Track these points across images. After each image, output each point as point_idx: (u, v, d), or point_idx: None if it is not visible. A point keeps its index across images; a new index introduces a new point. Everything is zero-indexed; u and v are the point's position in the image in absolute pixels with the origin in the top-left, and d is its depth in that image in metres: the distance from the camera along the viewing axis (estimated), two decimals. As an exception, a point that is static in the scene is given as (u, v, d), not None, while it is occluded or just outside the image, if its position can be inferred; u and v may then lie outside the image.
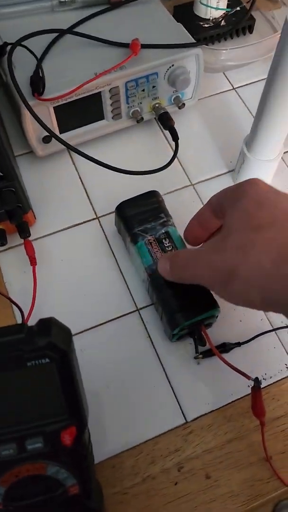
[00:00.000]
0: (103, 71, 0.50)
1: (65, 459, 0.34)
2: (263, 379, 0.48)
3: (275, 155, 0.53)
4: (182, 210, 0.56)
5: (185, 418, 0.46)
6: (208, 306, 0.45)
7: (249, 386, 0.47)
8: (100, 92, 0.54)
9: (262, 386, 0.47)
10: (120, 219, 0.51)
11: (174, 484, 0.44)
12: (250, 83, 0.67)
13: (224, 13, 0.66)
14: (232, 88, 0.67)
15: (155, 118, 0.59)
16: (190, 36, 0.57)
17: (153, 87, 0.56)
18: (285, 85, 0.44)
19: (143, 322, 0.50)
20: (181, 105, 0.59)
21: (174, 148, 0.57)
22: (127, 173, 0.52)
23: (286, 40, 0.40)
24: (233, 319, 0.51)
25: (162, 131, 0.63)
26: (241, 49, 0.65)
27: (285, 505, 1.27)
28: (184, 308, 0.45)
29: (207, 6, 0.65)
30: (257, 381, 0.43)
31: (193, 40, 0.56)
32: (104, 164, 0.51)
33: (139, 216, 0.50)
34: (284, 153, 0.61)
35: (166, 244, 0.48)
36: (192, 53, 0.55)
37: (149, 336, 0.50)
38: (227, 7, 0.67)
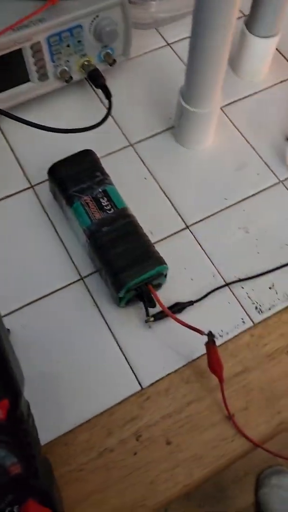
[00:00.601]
0: (15, 22, 0.46)
1: (0, 436, 0.31)
2: (220, 336, 0.46)
3: (213, 106, 0.51)
4: (122, 170, 0.54)
5: (140, 385, 0.43)
6: (154, 263, 0.43)
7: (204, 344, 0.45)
8: (20, 49, 0.49)
9: (219, 343, 0.45)
10: (53, 182, 0.47)
11: (133, 454, 0.41)
12: (184, 38, 0.64)
13: None
14: (166, 44, 0.64)
15: (85, 78, 0.56)
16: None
17: (79, 41, 0.52)
18: (208, 30, 0.42)
19: (88, 290, 0.47)
20: (112, 62, 0.56)
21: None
22: (58, 132, 0.48)
23: None
24: (184, 278, 0.48)
25: (96, 92, 0.59)
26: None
27: (269, 474, 1.26)
28: (128, 268, 0.42)
29: None
30: (210, 335, 0.41)
31: (116, -10, 0.52)
32: (33, 124, 0.47)
33: (74, 177, 0.46)
34: (225, 105, 0.59)
35: (104, 203, 0.45)
36: (116, 2, 0.51)
37: (96, 305, 0.46)
38: None
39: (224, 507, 1.11)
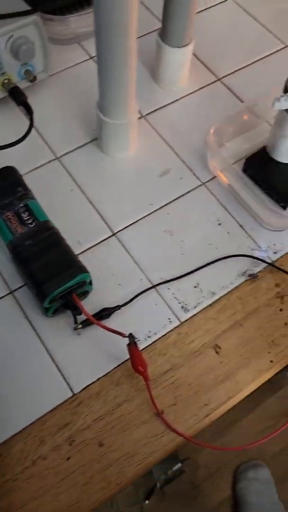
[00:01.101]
0: None
1: None
2: (148, 336, 0.48)
3: (129, 116, 0.52)
4: (49, 183, 0.55)
5: (72, 391, 0.44)
6: (75, 272, 0.44)
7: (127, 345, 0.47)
8: None
9: (148, 343, 0.47)
10: (-24, 200, 0.48)
11: (67, 459, 0.42)
12: (107, 51, 0.66)
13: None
14: (89, 57, 0.66)
15: (7, 95, 0.57)
16: (26, 4, 0.55)
17: (-4, 61, 0.53)
18: (109, 51, 0.44)
19: (18, 303, 0.48)
20: (32, 79, 0.57)
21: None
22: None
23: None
24: (112, 284, 0.50)
25: (20, 108, 0.60)
26: (90, 14, 0.63)
27: (245, 468, 1.28)
28: (50, 279, 0.43)
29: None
30: (131, 336, 0.43)
31: (28, 8, 0.54)
32: None
33: (-5, 194, 0.47)
34: (148, 114, 0.61)
35: (25, 217, 0.46)
36: (29, 21, 0.53)
37: (27, 317, 0.47)
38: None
39: (201, 504, 1.13)
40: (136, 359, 0.42)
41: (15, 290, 0.49)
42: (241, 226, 0.54)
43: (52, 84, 0.63)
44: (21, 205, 0.47)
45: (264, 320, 0.49)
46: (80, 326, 0.46)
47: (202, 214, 0.55)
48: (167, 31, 0.57)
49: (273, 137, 0.54)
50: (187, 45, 0.58)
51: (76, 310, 0.45)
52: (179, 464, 0.73)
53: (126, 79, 0.47)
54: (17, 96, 0.55)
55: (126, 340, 0.44)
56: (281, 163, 0.55)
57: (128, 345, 0.43)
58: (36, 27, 0.54)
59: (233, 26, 0.71)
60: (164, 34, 0.57)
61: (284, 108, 0.48)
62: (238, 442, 1.27)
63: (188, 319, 0.49)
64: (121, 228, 0.53)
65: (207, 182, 0.57)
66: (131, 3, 0.41)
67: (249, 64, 0.67)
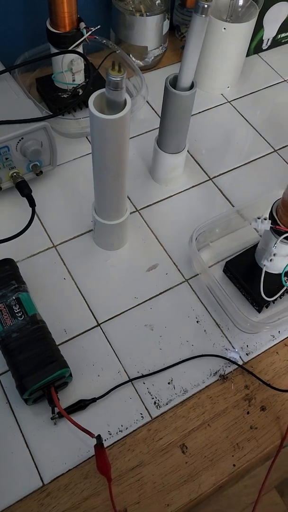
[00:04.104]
0: None
1: None
2: (120, 431, 0.50)
3: (120, 219, 0.57)
4: (44, 270, 0.60)
5: (42, 481, 0.47)
6: (56, 368, 0.48)
7: (105, 440, 0.50)
8: None
9: (119, 438, 0.50)
10: (-28, 289, 0.52)
11: None
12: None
13: (82, 83, 0.72)
14: (93, 151, 0.72)
15: (14, 186, 0.62)
16: (40, 110, 0.61)
17: (6, 159, 0.59)
18: (103, 172, 0.49)
19: (2, 387, 0.52)
20: (39, 173, 0.63)
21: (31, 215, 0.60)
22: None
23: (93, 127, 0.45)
24: (91, 375, 0.53)
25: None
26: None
27: None
28: (31, 373, 0.47)
29: (60, 82, 0.70)
30: (99, 438, 0.45)
31: (41, 115, 0.60)
32: None
33: (-10, 285, 0.52)
34: (142, 208, 0.66)
35: (16, 310, 0.50)
36: (39, 126, 0.59)
37: (8, 401, 0.51)
38: (85, 78, 0.72)
39: None
40: (100, 461, 0.45)
41: (1, 374, 0.52)
42: (217, 325, 0.58)
43: (56, 174, 0.68)
44: (14, 297, 0.51)
45: (231, 422, 0.52)
46: (57, 416, 0.49)
47: (182, 310, 0.59)
48: (163, 141, 0.63)
49: (260, 245, 0.58)
50: (180, 151, 0.64)
51: (52, 403, 0.48)
52: None
53: (117, 193, 0.52)
54: (23, 189, 0.61)
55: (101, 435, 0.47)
56: (260, 269, 0.59)
57: (95, 446, 0.46)
58: (45, 131, 0.60)
59: (227, 128, 0.77)
60: (160, 142, 0.63)
61: (258, 228, 0.52)
62: (228, 510, 1.26)
63: (159, 415, 0.52)
64: (105, 319, 0.57)
65: (190, 279, 0.61)
66: (124, 153, 0.47)
67: (240, 166, 0.72)
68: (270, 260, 0.53)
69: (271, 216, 0.53)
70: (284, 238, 0.53)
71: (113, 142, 0.45)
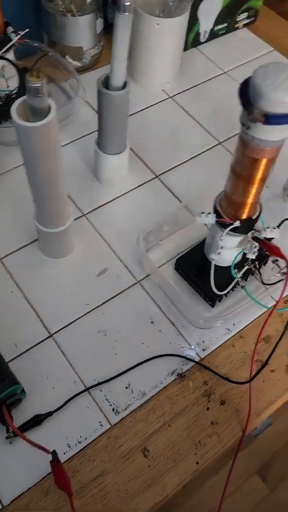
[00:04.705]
0: None
1: None
2: (79, 442, 0.49)
3: (63, 226, 0.56)
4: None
5: (1, 503, 0.46)
6: (5, 386, 0.46)
7: (64, 453, 0.49)
8: None
9: (78, 450, 0.49)
10: None
11: None
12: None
13: (15, 89, 0.70)
14: (35, 157, 0.70)
15: None
16: None
17: None
18: (35, 182, 0.48)
19: None
20: (-23, 185, 0.61)
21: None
22: None
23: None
24: (46, 388, 0.52)
25: None
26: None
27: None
28: (-20, 393, 0.45)
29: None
30: (54, 453, 0.44)
31: None
32: None
33: None
34: (89, 212, 0.65)
35: None
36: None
37: None
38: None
39: None
40: (58, 476, 0.44)
41: None
42: (172, 323, 0.57)
43: (-2, 184, 0.67)
44: None
45: (191, 420, 0.52)
46: (11, 435, 0.48)
47: (136, 312, 0.58)
48: (102, 142, 0.62)
49: (208, 239, 0.58)
50: (122, 152, 0.63)
51: (5, 423, 0.46)
52: None
53: (55, 200, 0.51)
54: None
55: (60, 448, 0.46)
56: (210, 263, 0.58)
57: (51, 461, 0.44)
58: (-22, 141, 0.58)
59: (171, 124, 0.76)
60: (100, 144, 0.62)
61: (204, 223, 0.52)
62: (208, 504, 1.27)
63: (119, 422, 0.51)
64: (57, 330, 0.56)
65: (142, 280, 0.60)
66: (55, 160, 0.46)
67: (186, 161, 0.72)
68: (218, 253, 0.53)
69: (215, 210, 0.53)
70: (230, 230, 0.53)
71: (41, 150, 0.43)
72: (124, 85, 0.55)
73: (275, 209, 0.65)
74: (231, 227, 0.51)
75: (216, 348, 0.56)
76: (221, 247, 0.53)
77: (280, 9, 1.10)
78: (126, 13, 0.47)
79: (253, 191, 0.48)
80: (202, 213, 0.51)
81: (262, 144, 0.41)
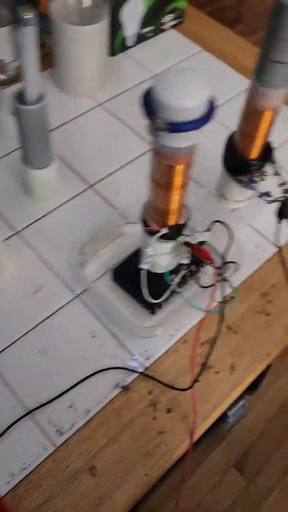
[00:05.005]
0: None
1: None
2: (23, 469, 0.48)
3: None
4: None
5: None
6: None
7: (8, 482, 0.47)
8: None
9: (23, 476, 0.47)
10: None
11: None
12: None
13: None
14: None
15: None
16: None
17: None
18: None
19: None
20: None
21: None
22: None
23: None
24: (-14, 416, 0.50)
25: None
26: None
27: None
28: None
29: None
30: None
31: None
32: None
33: None
34: (22, 229, 0.63)
35: None
36: None
37: None
38: None
39: None
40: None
41: None
42: (114, 335, 0.56)
43: None
44: None
45: (138, 432, 0.51)
46: None
47: (75, 328, 0.57)
48: (26, 157, 0.60)
49: (142, 247, 0.57)
50: (49, 165, 0.62)
51: None
52: None
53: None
54: None
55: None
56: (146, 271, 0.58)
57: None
58: None
59: (102, 131, 0.75)
60: (25, 159, 0.61)
61: (131, 233, 0.51)
62: (192, 501, 1.27)
63: (63, 443, 0.50)
64: (-5, 354, 0.54)
65: (81, 294, 0.59)
66: None
67: (119, 168, 0.71)
68: (149, 261, 0.52)
69: (142, 218, 0.52)
70: (160, 237, 0.52)
71: None
72: (40, 98, 0.54)
73: (211, 210, 0.65)
74: (158, 234, 0.51)
75: (160, 356, 0.56)
76: (150, 256, 0.52)
77: (211, 8, 1.12)
78: (29, 27, 0.46)
79: (175, 197, 0.47)
80: (128, 223, 0.51)
81: (174, 152, 0.41)
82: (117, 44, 0.84)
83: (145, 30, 0.87)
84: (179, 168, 0.44)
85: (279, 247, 0.60)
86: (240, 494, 1.31)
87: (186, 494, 1.27)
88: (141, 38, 0.88)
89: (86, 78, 0.77)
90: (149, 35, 0.89)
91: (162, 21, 0.89)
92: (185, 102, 0.36)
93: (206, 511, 1.24)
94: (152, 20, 0.86)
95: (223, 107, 0.77)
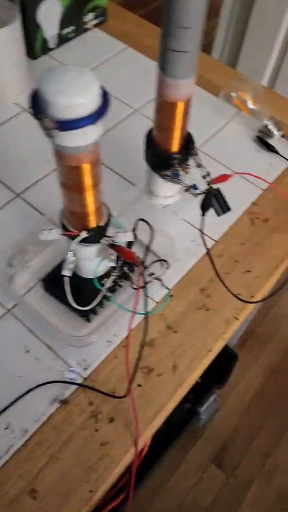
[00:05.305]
0: None
1: None
2: None
3: None
4: None
5: None
6: None
7: None
8: None
9: None
10: None
11: None
12: None
13: None
14: None
15: None
16: None
17: None
18: None
19: None
20: None
21: None
22: None
23: None
24: None
25: None
26: None
27: None
28: None
29: None
30: None
31: None
32: None
33: None
34: None
35: None
36: None
37: None
38: None
39: None
40: None
41: None
42: (49, 348, 0.54)
43: None
44: None
45: (79, 446, 0.49)
46: None
47: (8, 344, 0.54)
48: None
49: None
50: None
51: None
52: None
53: None
54: None
55: None
56: (77, 276, 0.56)
57: None
58: None
59: (28, 137, 0.72)
60: None
61: (48, 239, 0.49)
62: (173, 501, 1.25)
63: (1, 467, 0.47)
64: None
65: (13, 308, 0.56)
66: None
67: (48, 174, 0.69)
68: (71, 267, 0.50)
69: (61, 223, 0.50)
70: (81, 241, 0.50)
71: None
72: None
73: (142, 208, 0.64)
74: (78, 238, 0.48)
75: (99, 364, 0.54)
76: (71, 262, 0.50)
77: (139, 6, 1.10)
78: None
79: (89, 198, 0.45)
80: (44, 229, 0.49)
81: (73, 151, 0.39)
82: (38, 46, 0.82)
83: (67, 30, 0.85)
84: (86, 167, 0.42)
85: (207, 249, 0.54)
86: (221, 489, 1.30)
87: (167, 496, 1.26)
88: (63, 39, 0.86)
89: (6, 84, 0.74)
90: (72, 35, 0.86)
91: (84, 20, 0.87)
92: (69, 98, 0.35)
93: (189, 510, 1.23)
94: (73, 20, 0.84)
95: (152, 103, 0.76)
